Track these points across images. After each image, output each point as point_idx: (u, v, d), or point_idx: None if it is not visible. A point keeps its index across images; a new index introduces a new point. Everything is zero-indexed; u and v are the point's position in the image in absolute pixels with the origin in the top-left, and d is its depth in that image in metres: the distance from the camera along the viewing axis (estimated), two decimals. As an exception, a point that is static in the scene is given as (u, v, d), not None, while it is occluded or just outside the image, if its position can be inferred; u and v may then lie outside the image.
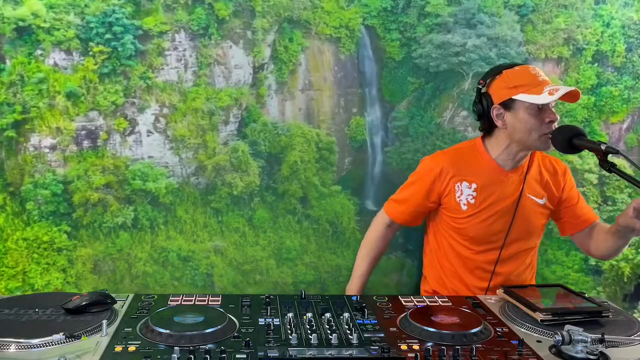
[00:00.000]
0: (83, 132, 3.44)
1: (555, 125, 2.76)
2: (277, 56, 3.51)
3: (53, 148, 3.42)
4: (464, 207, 2.87)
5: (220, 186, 3.51)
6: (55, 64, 3.36)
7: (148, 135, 3.45)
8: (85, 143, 3.45)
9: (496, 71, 2.84)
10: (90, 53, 3.36)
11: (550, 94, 2.63)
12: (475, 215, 2.89)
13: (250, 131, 3.48)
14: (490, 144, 2.88)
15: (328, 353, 1.88)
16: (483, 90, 2.83)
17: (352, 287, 3.21)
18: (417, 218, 3.11)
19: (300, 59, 3.52)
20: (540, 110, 2.71)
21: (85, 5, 3.34)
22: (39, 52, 3.34)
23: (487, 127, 2.85)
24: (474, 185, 2.85)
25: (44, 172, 3.41)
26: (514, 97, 2.70)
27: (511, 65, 2.83)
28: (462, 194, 2.86)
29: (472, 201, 2.86)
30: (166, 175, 3.47)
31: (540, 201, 2.94)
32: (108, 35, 3.37)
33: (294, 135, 3.53)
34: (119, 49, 3.36)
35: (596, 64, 3.64)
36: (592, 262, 3.65)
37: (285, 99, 3.52)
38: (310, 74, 3.53)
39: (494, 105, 2.77)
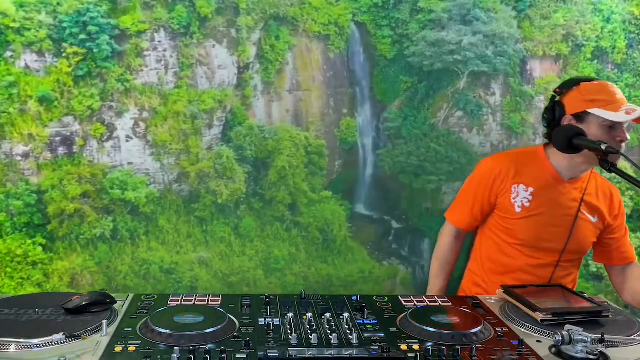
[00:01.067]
0: (57, 139, 3.48)
1: (624, 146, 2.92)
2: (263, 55, 3.59)
3: (26, 156, 3.47)
4: (518, 210, 3.02)
5: (205, 194, 3.59)
6: (27, 67, 3.42)
7: (127, 141, 3.52)
8: (60, 150, 3.50)
9: (573, 83, 2.99)
10: (64, 55, 3.42)
11: (628, 113, 2.80)
12: (527, 218, 3.03)
13: (235, 135, 3.57)
14: (553, 152, 3.02)
15: (328, 353, 1.98)
16: (557, 99, 2.98)
17: None
18: (483, 221, 3.24)
19: (288, 58, 3.62)
20: (612, 128, 2.86)
21: (58, 4, 3.38)
22: (8, 54, 3.41)
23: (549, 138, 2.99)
24: (530, 189, 3.01)
25: (16, 181, 3.44)
26: (589, 110, 2.85)
27: (589, 79, 2.99)
28: (517, 195, 3.02)
29: (527, 204, 3.01)
30: (147, 183, 3.53)
31: (593, 219, 3.09)
32: (83, 36, 3.43)
33: (282, 139, 3.61)
34: (95, 50, 3.42)
35: (596, 61, 3.81)
36: (593, 267, 3.78)
37: (272, 100, 3.62)
38: (298, 73, 3.63)
39: (566, 115, 2.92)
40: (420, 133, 3.67)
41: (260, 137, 3.61)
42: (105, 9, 3.44)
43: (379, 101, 3.70)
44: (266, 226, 3.64)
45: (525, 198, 2.98)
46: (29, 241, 3.50)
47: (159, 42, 3.53)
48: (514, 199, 3.00)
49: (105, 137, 3.53)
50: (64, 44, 3.44)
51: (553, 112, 2.94)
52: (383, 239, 3.98)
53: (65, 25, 3.41)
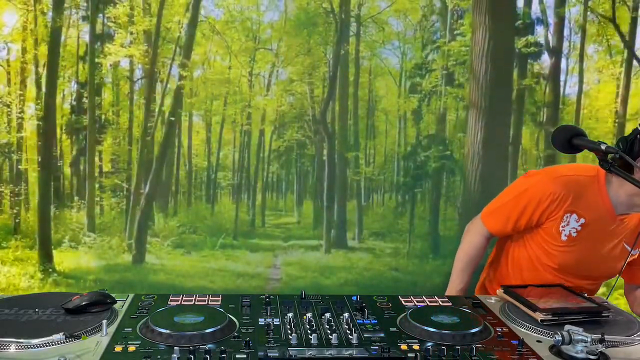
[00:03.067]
0: None
1: None
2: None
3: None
4: (564, 238, 2.94)
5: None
6: None
7: None
8: None
9: None
10: None
11: None
12: (571, 247, 2.96)
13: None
14: (615, 182, 2.89)
15: (328, 353, 1.97)
16: None
17: None
18: (517, 232, 3.15)
19: None
20: None
21: None
22: None
23: (623, 166, 2.70)
24: (582, 220, 2.92)
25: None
26: None
27: None
28: (567, 224, 2.93)
29: (574, 234, 2.93)
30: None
31: (633, 251, 3.01)
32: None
33: None
34: None
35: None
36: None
37: None
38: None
39: None
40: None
41: None
42: None
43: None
44: None
45: (574, 228, 2.90)
46: None
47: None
48: (562, 227, 2.92)
49: None
50: None
51: (632, 144, 2.72)
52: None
53: None
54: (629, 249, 2.97)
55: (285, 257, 7.19)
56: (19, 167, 6.80)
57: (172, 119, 7.06)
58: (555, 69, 7.18)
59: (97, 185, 7.04)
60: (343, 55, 7.10)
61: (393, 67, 7.37)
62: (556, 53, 7.17)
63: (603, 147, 2.48)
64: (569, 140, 2.63)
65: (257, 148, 7.43)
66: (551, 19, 7.13)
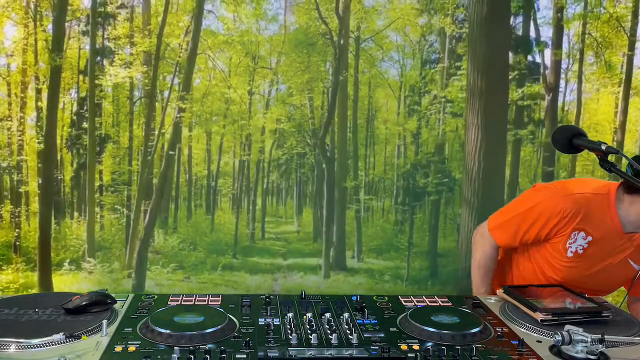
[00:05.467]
0: None
1: None
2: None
3: None
4: (570, 254, 2.91)
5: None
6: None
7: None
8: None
9: None
10: None
11: None
12: (576, 263, 2.93)
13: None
14: (625, 201, 2.87)
15: (328, 353, 1.95)
16: None
17: None
18: (524, 244, 3.13)
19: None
20: None
21: None
22: None
23: (636, 187, 2.66)
24: (589, 238, 2.89)
25: None
26: None
27: None
28: (575, 242, 2.90)
29: (581, 251, 2.90)
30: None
31: (637, 267, 2.99)
32: None
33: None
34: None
35: None
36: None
37: None
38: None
39: None
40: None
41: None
42: None
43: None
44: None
45: (580, 245, 2.87)
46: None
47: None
48: (569, 243, 2.88)
49: None
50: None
51: None
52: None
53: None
54: (635, 266, 2.95)
55: (285, 282, 7.18)
56: (20, 189, 6.79)
57: (172, 152, 7.06)
58: (553, 105, 7.19)
59: (97, 202, 7.04)
60: (342, 80, 7.10)
61: (392, 77, 7.37)
62: (554, 91, 7.18)
63: (603, 147, 2.44)
64: (570, 140, 2.59)
65: (257, 160, 7.42)
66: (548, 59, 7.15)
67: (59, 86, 6.70)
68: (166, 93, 6.93)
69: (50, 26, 6.59)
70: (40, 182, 6.73)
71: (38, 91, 6.68)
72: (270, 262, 7.29)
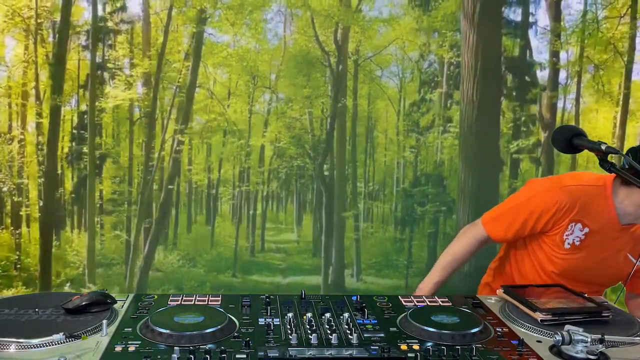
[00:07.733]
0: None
1: None
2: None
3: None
4: (567, 246, 2.91)
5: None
6: None
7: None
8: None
9: None
10: None
11: None
12: (573, 255, 2.93)
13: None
14: (621, 192, 2.87)
15: (328, 353, 1.94)
16: None
17: (425, 290, 3.14)
18: (519, 239, 3.12)
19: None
20: None
21: None
22: None
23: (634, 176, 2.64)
24: (586, 230, 2.88)
25: None
26: None
27: None
28: (572, 233, 2.89)
29: (578, 243, 2.90)
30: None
31: (636, 262, 2.97)
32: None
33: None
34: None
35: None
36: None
37: None
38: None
39: None
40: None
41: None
42: None
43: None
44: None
45: (577, 237, 2.87)
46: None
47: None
48: (566, 235, 2.88)
49: None
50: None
51: None
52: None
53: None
54: (633, 259, 2.93)
55: (284, 304, 7.26)
56: (20, 212, 6.77)
57: (171, 187, 7.06)
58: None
59: (97, 221, 7.04)
60: (341, 107, 7.11)
61: (392, 88, 7.37)
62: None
63: (603, 147, 2.42)
64: (569, 140, 2.57)
65: (257, 168, 7.43)
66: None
67: (60, 117, 6.66)
68: (165, 120, 6.92)
69: (50, 38, 6.57)
70: (41, 204, 6.69)
71: (39, 106, 6.66)
72: (270, 281, 7.28)
